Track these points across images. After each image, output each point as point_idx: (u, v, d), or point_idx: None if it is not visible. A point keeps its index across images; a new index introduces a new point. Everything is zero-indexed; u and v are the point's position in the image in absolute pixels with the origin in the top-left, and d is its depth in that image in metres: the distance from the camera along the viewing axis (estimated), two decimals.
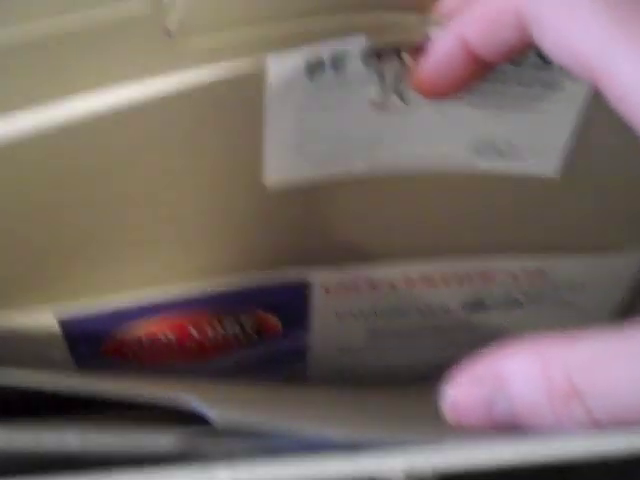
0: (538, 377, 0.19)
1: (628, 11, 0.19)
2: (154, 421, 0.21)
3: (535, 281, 0.33)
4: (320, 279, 0.31)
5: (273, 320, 0.32)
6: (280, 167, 0.27)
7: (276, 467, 0.17)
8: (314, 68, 0.24)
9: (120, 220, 0.27)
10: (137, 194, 0.26)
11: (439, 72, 0.24)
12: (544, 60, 0.25)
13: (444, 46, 0.23)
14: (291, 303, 0.31)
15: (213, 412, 0.20)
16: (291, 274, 0.30)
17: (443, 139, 0.27)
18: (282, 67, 0.24)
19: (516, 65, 0.25)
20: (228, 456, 0.18)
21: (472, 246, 0.31)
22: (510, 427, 0.20)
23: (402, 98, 0.26)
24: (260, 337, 0.33)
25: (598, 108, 0.26)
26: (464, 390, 0.20)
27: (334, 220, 0.29)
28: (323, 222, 0.29)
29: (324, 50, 0.24)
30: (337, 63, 0.24)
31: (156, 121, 0.24)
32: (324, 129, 0.26)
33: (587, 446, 0.17)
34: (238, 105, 0.25)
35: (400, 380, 0.36)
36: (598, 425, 0.18)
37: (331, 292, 0.31)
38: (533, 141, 0.27)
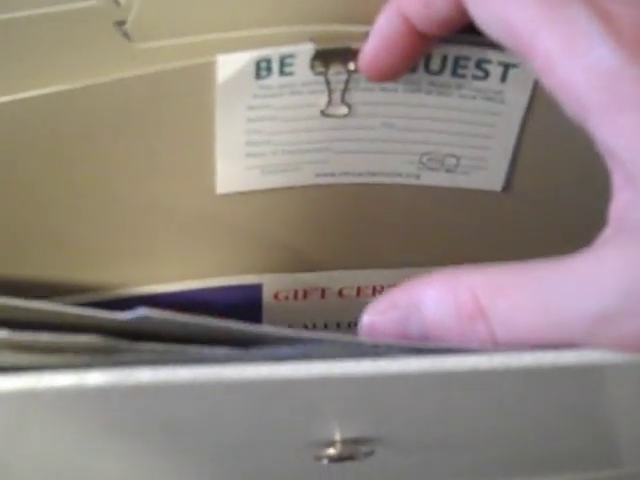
0: (449, 299, 0.20)
1: None
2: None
3: None
4: (270, 284, 0.31)
5: None
6: (230, 175, 0.28)
7: (199, 369, 0.17)
8: (263, 70, 0.25)
9: (76, 222, 0.28)
10: (90, 185, 0.27)
11: (383, 49, 0.24)
12: (484, 71, 0.26)
13: (385, 22, 0.24)
14: (243, 308, 0.32)
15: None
16: (243, 279, 0.31)
17: (390, 151, 0.28)
18: (231, 67, 0.25)
19: (458, 77, 0.26)
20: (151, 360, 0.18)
21: (421, 258, 0.32)
22: None
23: (349, 107, 0.27)
24: None
25: (539, 121, 0.27)
26: (381, 314, 0.21)
27: (284, 227, 0.30)
28: (273, 228, 0.30)
29: (273, 53, 0.25)
30: (285, 68, 0.25)
31: (108, 106, 0.25)
32: (273, 136, 0.27)
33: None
34: (189, 103, 0.26)
35: None
36: (498, 345, 0.20)
37: (280, 298, 0.32)
38: (478, 155, 0.28)
